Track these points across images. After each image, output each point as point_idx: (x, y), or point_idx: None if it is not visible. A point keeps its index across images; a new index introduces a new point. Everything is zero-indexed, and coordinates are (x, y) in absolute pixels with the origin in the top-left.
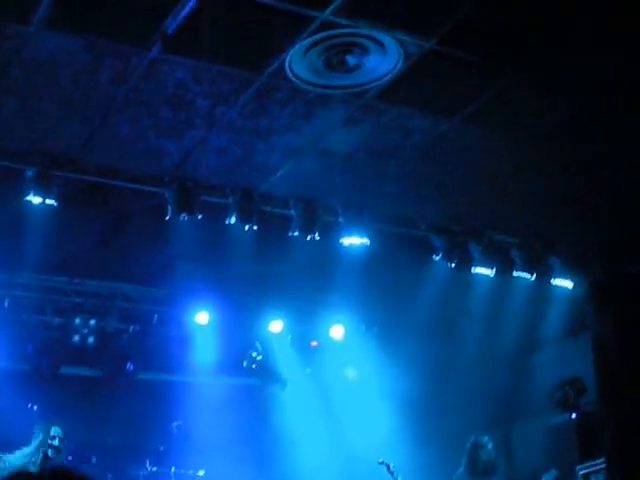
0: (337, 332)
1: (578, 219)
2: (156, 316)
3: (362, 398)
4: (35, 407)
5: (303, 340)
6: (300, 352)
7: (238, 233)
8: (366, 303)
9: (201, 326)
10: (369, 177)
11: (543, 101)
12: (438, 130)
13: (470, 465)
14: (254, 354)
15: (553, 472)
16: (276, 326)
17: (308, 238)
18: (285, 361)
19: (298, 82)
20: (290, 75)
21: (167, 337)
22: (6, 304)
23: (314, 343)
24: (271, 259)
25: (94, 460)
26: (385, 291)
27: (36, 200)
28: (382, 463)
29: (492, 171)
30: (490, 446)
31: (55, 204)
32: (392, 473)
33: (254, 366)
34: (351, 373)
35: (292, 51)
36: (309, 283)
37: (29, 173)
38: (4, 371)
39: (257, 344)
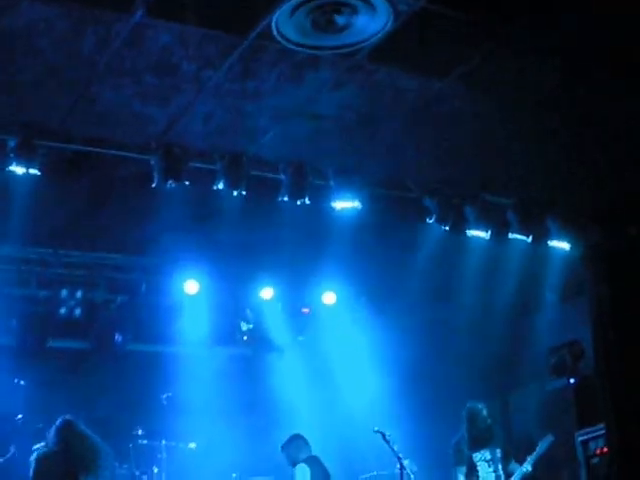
0: (329, 298)
1: (575, 180)
2: (144, 286)
3: (356, 365)
4: (22, 382)
5: (295, 307)
6: (292, 320)
7: (227, 200)
8: (358, 268)
9: (191, 295)
10: (360, 140)
11: (536, 62)
12: (430, 91)
13: (467, 432)
14: (244, 323)
15: (549, 437)
16: (267, 294)
17: (298, 203)
18: (277, 329)
19: (285, 43)
20: (277, 36)
21: (156, 307)
22: None
23: (306, 310)
24: (261, 226)
25: None
26: (378, 256)
27: (19, 170)
28: (377, 432)
29: (486, 133)
30: (485, 413)
31: (38, 174)
32: (387, 442)
33: (245, 337)
34: (344, 340)
35: (279, 12)
36: (300, 249)
37: (11, 143)
38: None
39: (248, 312)
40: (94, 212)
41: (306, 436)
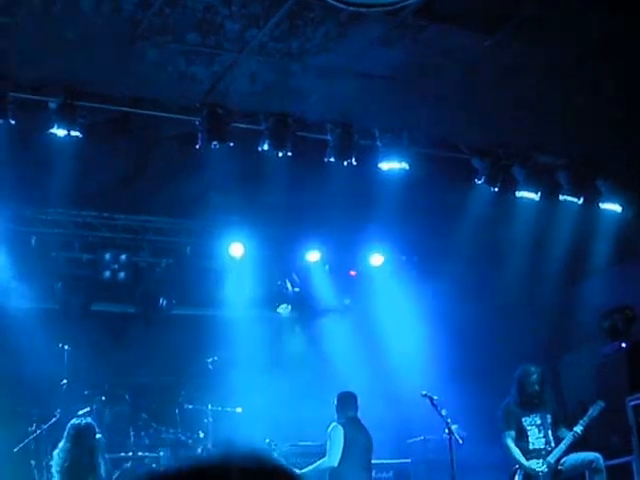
0: (376, 260)
1: (627, 140)
2: (189, 249)
3: (403, 328)
4: (66, 347)
5: (341, 270)
6: (338, 282)
7: (272, 162)
8: (406, 230)
9: (236, 258)
10: (408, 99)
11: (587, 16)
12: (479, 49)
13: (517, 396)
14: (290, 286)
15: (600, 404)
16: (313, 256)
17: (345, 164)
18: (323, 292)
19: (330, 1)
20: None
21: (201, 270)
22: (33, 242)
23: (352, 273)
24: (307, 188)
25: (128, 399)
26: (426, 218)
27: (60, 132)
28: (425, 396)
29: (537, 92)
30: (537, 377)
31: (80, 136)
32: (435, 406)
33: (291, 301)
34: (391, 303)
35: None
36: (347, 211)
37: (52, 105)
38: (33, 311)
39: (294, 275)
40: (138, 174)
41: (354, 396)
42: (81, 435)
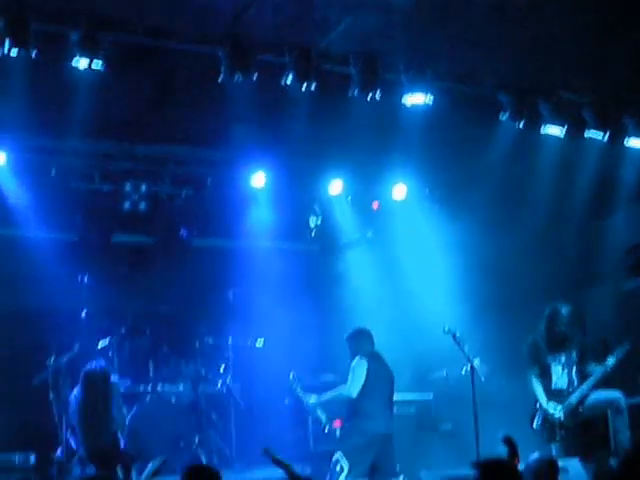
0: (399, 193)
1: None
2: (210, 179)
3: (425, 262)
4: (86, 278)
5: (364, 202)
6: (361, 215)
7: (296, 94)
8: (429, 164)
9: (258, 189)
10: (433, 32)
11: None
12: None
13: (545, 333)
14: (312, 218)
15: (626, 345)
16: (336, 187)
17: (368, 98)
18: (345, 224)
19: None
20: None
21: (222, 201)
22: (53, 172)
23: (375, 205)
24: (330, 120)
25: (148, 331)
26: (449, 151)
27: (82, 64)
28: (448, 331)
29: (564, 26)
30: (567, 317)
31: (101, 68)
32: (458, 342)
33: (313, 232)
34: (414, 237)
35: None
36: (370, 143)
37: (74, 36)
38: (53, 242)
39: (316, 207)
40: (159, 104)
41: (374, 333)
42: (95, 382)
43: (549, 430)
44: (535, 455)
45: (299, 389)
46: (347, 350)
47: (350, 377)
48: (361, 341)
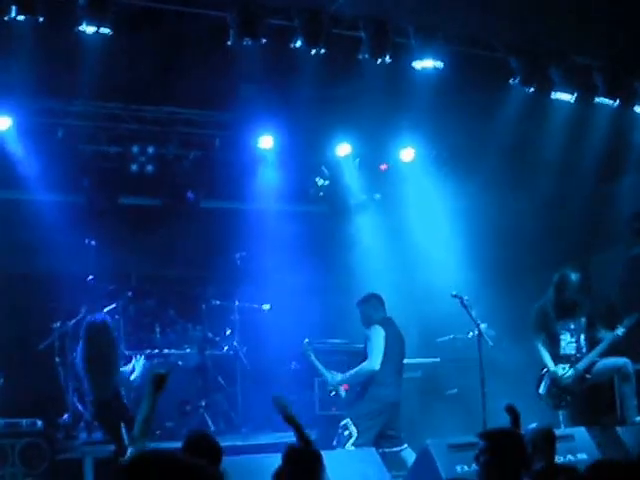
0: (407, 155)
1: None
2: (218, 141)
3: (433, 225)
4: (93, 242)
5: (372, 164)
6: (369, 177)
7: (305, 57)
8: (438, 127)
9: (265, 151)
10: None
11: None
12: None
13: (554, 299)
14: (320, 180)
15: (635, 315)
16: (343, 150)
17: (378, 61)
18: (353, 186)
19: None
20: None
21: (230, 163)
22: (60, 134)
23: (383, 167)
24: (339, 82)
25: (154, 295)
26: (458, 115)
27: (89, 30)
28: (455, 296)
29: None
30: (576, 283)
31: (109, 32)
32: (465, 306)
33: (321, 194)
34: (422, 199)
35: None
36: (379, 105)
37: (81, 1)
38: (59, 204)
39: (324, 169)
40: (166, 66)
41: (382, 297)
42: (99, 330)
43: (555, 396)
44: (533, 425)
45: (313, 357)
46: (356, 314)
47: (369, 347)
48: (373, 307)
